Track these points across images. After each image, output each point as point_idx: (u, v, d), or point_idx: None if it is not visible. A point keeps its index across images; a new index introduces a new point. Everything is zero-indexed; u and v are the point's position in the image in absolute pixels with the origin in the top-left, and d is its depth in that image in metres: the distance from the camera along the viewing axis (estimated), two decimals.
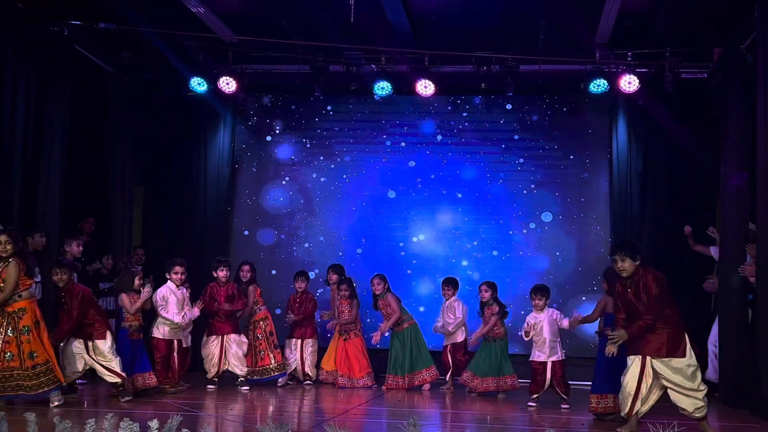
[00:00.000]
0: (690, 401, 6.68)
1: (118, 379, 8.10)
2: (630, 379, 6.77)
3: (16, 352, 7.45)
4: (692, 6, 9.13)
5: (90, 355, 8.11)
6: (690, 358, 6.71)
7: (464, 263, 11.43)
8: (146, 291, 8.74)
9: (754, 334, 8.14)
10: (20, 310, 7.54)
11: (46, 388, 7.49)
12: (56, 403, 7.52)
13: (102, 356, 8.11)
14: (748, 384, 8.21)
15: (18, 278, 7.49)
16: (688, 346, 6.77)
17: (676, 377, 6.68)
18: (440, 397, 9.55)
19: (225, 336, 9.52)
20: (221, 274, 9.64)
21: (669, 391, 6.76)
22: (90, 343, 8.12)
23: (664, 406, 6.94)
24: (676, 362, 6.68)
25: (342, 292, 10.19)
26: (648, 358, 6.72)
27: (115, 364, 8.11)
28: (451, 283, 10.21)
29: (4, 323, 7.47)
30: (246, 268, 10.01)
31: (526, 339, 8.85)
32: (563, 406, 8.54)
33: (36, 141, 9.01)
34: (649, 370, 6.74)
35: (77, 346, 8.12)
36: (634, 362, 6.79)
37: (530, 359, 8.83)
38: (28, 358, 7.45)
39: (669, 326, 6.72)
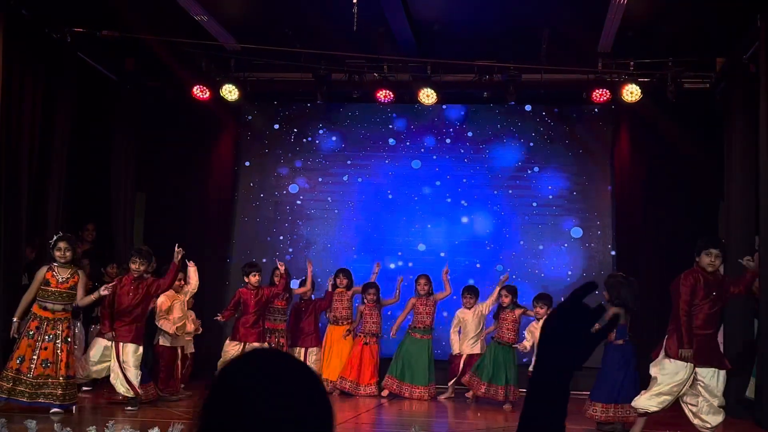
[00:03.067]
0: (716, 417, 6.68)
1: (130, 394, 7.98)
2: (674, 385, 6.73)
3: (53, 360, 7.42)
4: (695, 16, 9.13)
5: (119, 360, 7.97)
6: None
7: (467, 271, 11.39)
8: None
9: (759, 345, 8.12)
10: (66, 318, 7.56)
11: (69, 402, 7.49)
12: (55, 410, 7.46)
13: (127, 364, 7.99)
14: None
15: (83, 296, 7.60)
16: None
17: (717, 389, 6.68)
18: (442, 406, 9.52)
19: (247, 344, 9.43)
20: (253, 279, 9.62)
21: (698, 403, 6.72)
22: (122, 347, 7.99)
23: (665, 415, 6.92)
24: (722, 374, 6.72)
25: (369, 296, 10.19)
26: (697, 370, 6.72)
27: (135, 376, 8.01)
28: (471, 291, 10.19)
29: (43, 329, 7.44)
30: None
31: (524, 351, 8.82)
32: None
33: (40, 148, 9.02)
34: (691, 379, 6.73)
35: (107, 346, 8.07)
36: (687, 369, 6.72)
37: (530, 368, 8.81)
38: (64, 368, 7.44)
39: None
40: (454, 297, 10.42)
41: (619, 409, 7.56)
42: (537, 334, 8.73)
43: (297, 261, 11.72)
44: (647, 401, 6.83)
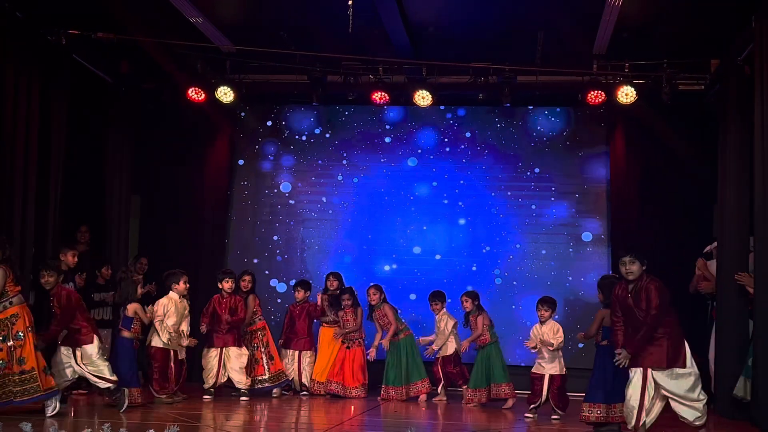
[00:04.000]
0: (690, 411, 6.72)
1: (109, 384, 8.05)
2: (633, 392, 6.79)
3: (7, 359, 7.44)
4: (690, 18, 9.15)
5: (78, 363, 8.08)
6: (691, 368, 6.77)
7: (463, 274, 11.40)
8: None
9: (754, 345, 8.13)
10: (13, 316, 7.55)
11: (28, 396, 7.45)
12: (50, 413, 7.48)
13: (90, 362, 8.06)
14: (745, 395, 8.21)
15: (5, 285, 7.51)
16: (689, 355, 6.81)
17: (676, 388, 6.70)
18: (435, 408, 9.53)
19: (224, 349, 9.52)
20: (226, 285, 9.65)
21: (670, 401, 6.79)
22: (78, 351, 8.09)
23: (664, 416, 6.94)
24: (677, 373, 6.71)
25: (345, 302, 10.18)
26: (649, 370, 6.74)
27: (105, 369, 8.07)
28: (437, 297, 10.15)
29: None
30: (247, 278, 10.04)
31: (533, 351, 8.85)
32: (553, 417, 8.52)
33: (35, 150, 8.98)
34: (651, 382, 6.75)
35: (64, 353, 8.13)
36: (636, 374, 6.80)
37: (532, 370, 8.83)
38: (17, 364, 7.46)
39: (668, 336, 6.75)
40: (449, 300, 10.42)
41: (611, 409, 7.56)
42: (545, 336, 8.74)
43: (291, 262, 11.71)
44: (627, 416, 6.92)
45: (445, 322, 9.96)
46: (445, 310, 10.08)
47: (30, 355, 7.53)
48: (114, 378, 8.10)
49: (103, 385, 8.10)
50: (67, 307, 8.03)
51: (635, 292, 6.90)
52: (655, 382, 6.74)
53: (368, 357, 10.12)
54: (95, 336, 8.19)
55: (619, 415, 7.44)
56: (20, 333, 7.51)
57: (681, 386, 6.72)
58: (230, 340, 9.56)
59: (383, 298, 10.16)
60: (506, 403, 9.43)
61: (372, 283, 10.36)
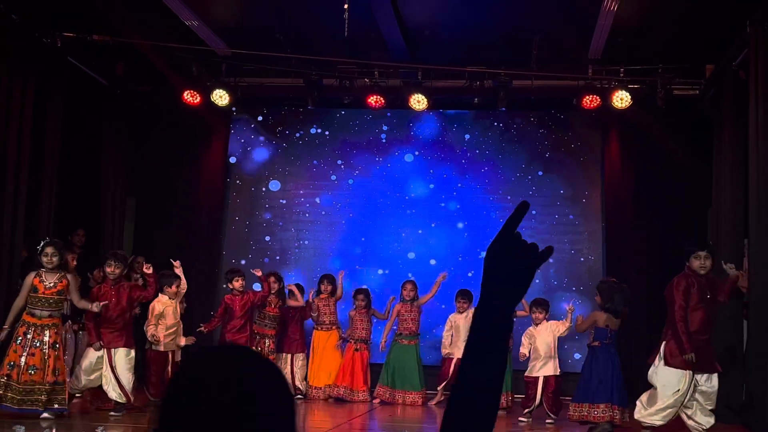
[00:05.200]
0: (708, 419, 6.75)
1: (122, 400, 7.92)
2: (678, 396, 6.73)
3: (40, 366, 7.36)
4: (685, 23, 9.17)
5: (111, 366, 7.93)
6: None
7: (460, 278, 11.38)
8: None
9: (748, 348, 8.15)
10: (53, 325, 7.51)
11: (56, 406, 7.41)
12: (45, 415, 7.41)
13: (119, 369, 7.93)
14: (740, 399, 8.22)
15: (77, 298, 7.62)
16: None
17: (712, 393, 6.73)
18: (433, 411, 9.52)
19: None
20: (237, 284, 9.63)
21: (695, 404, 6.75)
22: (113, 352, 7.95)
23: None
24: (715, 378, 6.78)
25: (358, 302, 10.18)
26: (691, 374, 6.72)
27: (128, 382, 7.94)
28: (466, 296, 10.01)
29: (30, 335, 7.38)
30: (272, 279, 10.11)
31: (522, 360, 8.83)
32: (547, 421, 8.53)
33: (30, 153, 8.97)
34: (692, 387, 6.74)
35: (99, 357, 7.97)
36: (686, 377, 6.73)
37: (525, 374, 8.83)
38: (51, 374, 7.38)
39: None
40: (443, 306, 10.42)
41: (595, 409, 7.56)
42: (535, 339, 8.75)
43: (287, 264, 11.70)
44: (653, 417, 6.86)
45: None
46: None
47: (63, 367, 7.55)
48: (131, 397, 7.98)
49: (115, 395, 7.91)
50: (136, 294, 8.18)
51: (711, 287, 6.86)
52: (695, 386, 6.73)
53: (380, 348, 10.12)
54: (132, 345, 8.14)
55: (601, 416, 7.45)
56: (56, 343, 7.48)
57: (713, 391, 6.75)
58: (242, 341, 9.41)
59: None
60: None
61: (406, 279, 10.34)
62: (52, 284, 7.52)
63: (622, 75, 10.42)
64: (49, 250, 7.55)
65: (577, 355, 10.54)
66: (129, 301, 8.15)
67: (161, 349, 8.94)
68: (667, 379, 6.77)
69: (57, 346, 7.49)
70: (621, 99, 10.35)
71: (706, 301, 6.76)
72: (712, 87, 9.85)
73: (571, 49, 10.05)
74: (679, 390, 6.73)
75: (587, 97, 10.56)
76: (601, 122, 11.40)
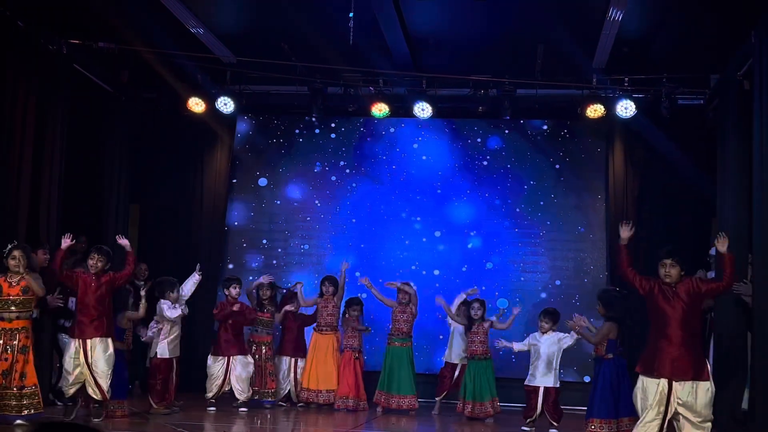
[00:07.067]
0: None
1: (98, 396, 7.92)
2: (654, 405, 6.51)
3: (9, 370, 7.35)
4: (689, 32, 9.18)
5: (88, 361, 7.87)
6: (710, 382, 6.55)
7: (462, 289, 11.31)
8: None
9: (752, 358, 8.11)
10: (23, 328, 7.48)
11: (27, 412, 7.36)
12: (19, 422, 7.35)
13: (96, 366, 7.90)
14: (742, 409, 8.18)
15: (41, 290, 7.56)
16: (709, 368, 6.61)
17: (696, 404, 6.45)
18: (431, 420, 9.49)
19: (231, 357, 9.37)
20: (233, 291, 9.62)
21: (681, 418, 6.52)
22: (89, 345, 7.91)
23: None
24: (702, 388, 6.50)
25: (353, 312, 10.15)
26: (672, 381, 6.48)
27: (106, 380, 7.92)
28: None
29: (1, 340, 7.36)
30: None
31: (498, 346, 8.83)
32: (551, 430, 8.50)
33: (34, 159, 8.97)
34: (669, 395, 6.49)
35: (75, 347, 7.93)
36: (660, 385, 6.51)
37: (525, 383, 8.80)
38: (18, 379, 7.36)
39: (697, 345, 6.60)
40: (440, 316, 10.37)
41: (619, 424, 7.54)
42: (539, 346, 8.70)
43: (288, 270, 11.66)
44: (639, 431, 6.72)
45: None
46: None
47: (31, 371, 7.49)
48: (107, 396, 7.95)
49: (93, 393, 7.90)
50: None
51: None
52: (673, 396, 6.47)
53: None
54: (113, 338, 8.08)
55: (625, 429, 7.42)
56: (25, 347, 7.46)
57: (701, 402, 6.47)
58: (236, 349, 9.41)
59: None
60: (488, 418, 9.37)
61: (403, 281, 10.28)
62: (15, 282, 7.52)
63: (626, 84, 10.42)
64: (16, 253, 7.54)
65: (573, 366, 10.49)
66: (109, 287, 8.10)
67: (166, 356, 8.92)
68: (643, 392, 6.61)
69: (26, 350, 7.46)
70: (625, 108, 10.35)
71: (672, 305, 6.63)
72: (717, 97, 9.84)
73: (575, 58, 10.05)
74: (655, 400, 6.47)
75: (591, 106, 10.55)
76: (605, 131, 11.38)
